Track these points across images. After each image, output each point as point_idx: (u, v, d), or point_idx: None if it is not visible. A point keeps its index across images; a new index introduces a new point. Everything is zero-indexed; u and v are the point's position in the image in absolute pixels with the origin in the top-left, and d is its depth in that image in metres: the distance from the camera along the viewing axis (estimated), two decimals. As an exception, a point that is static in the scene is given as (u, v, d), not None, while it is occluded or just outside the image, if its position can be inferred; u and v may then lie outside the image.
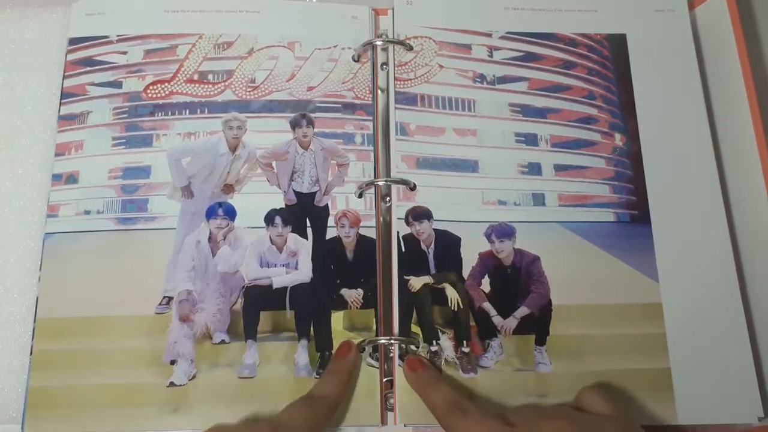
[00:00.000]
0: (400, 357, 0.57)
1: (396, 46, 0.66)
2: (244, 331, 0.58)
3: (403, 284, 0.59)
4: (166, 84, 0.64)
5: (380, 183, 0.62)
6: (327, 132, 0.64)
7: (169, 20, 0.66)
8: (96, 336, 0.57)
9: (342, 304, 0.59)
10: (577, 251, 0.61)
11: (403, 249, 0.60)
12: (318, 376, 0.56)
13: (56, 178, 0.61)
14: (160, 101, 0.64)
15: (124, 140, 0.63)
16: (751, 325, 0.59)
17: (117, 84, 0.64)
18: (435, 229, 0.61)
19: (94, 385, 0.55)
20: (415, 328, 0.58)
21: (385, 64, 0.66)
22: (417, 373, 0.55)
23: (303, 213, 0.62)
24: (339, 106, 0.64)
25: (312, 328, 0.58)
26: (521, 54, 0.67)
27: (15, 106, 0.65)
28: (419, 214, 0.61)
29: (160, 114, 0.63)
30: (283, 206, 0.62)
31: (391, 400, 0.56)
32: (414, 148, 0.63)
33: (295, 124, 0.64)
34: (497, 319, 0.59)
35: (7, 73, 0.66)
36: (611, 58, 0.67)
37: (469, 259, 0.60)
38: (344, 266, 0.60)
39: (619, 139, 0.65)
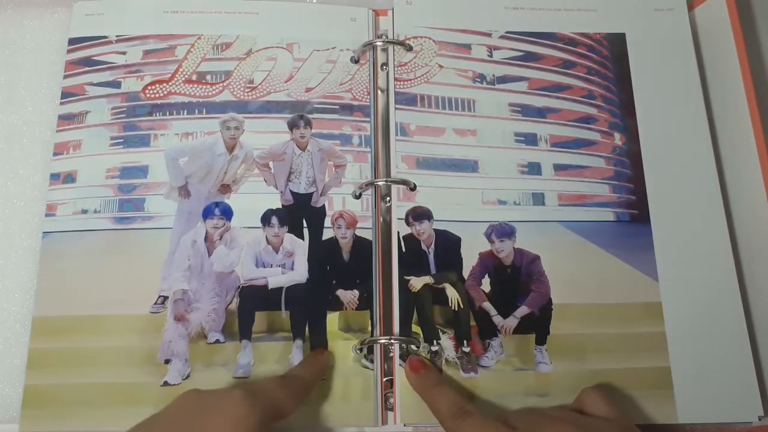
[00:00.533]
0: (401, 357, 0.56)
1: (396, 46, 0.66)
2: (239, 331, 0.58)
3: (404, 284, 0.58)
4: (165, 84, 0.64)
5: (380, 183, 0.61)
6: (324, 133, 0.64)
7: (168, 21, 0.66)
8: (91, 335, 0.57)
9: (337, 305, 0.59)
10: (577, 251, 0.60)
11: (404, 249, 0.60)
12: None
13: (54, 177, 0.61)
14: (159, 101, 0.64)
15: (121, 140, 0.63)
16: (750, 324, 0.58)
17: (116, 84, 0.64)
18: (435, 230, 0.61)
19: (88, 384, 0.55)
20: (415, 328, 0.58)
21: (385, 64, 0.66)
22: (419, 374, 0.55)
23: (299, 213, 0.62)
24: (337, 107, 0.64)
25: (307, 329, 0.58)
26: (521, 54, 0.66)
27: (16, 107, 0.65)
28: (419, 215, 0.61)
29: (158, 114, 0.63)
30: (280, 206, 0.62)
31: (391, 400, 0.56)
32: (414, 149, 0.63)
33: (292, 125, 0.64)
34: (497, 319, 0.58)
35: (8, 73, 0.67)
36: (611, 57, 0.67)
37: (469, 259, 0.60)
38: (340, 267, 0.60)
39: (618, 139, 0.64)
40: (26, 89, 0.66)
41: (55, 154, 0.62)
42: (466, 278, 0.59)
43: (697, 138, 0.63)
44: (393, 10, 0.67)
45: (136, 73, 0.65)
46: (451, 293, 0.59)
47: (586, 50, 0.67)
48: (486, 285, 0.59)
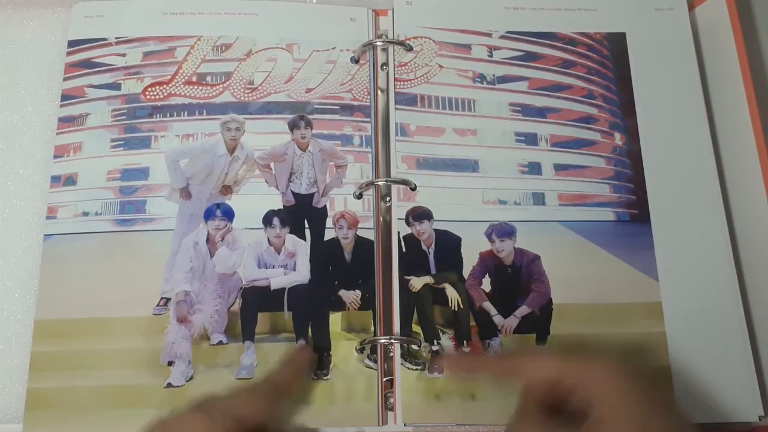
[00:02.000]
0: (403, 357, 0.57)
1: (396, 46, 0.65)
2: (241, 332, 0.58)
3: (404, 284, 0.59)
4: (165, 86, 0.64)
5: (380, 183, 0.62)
6: (325, 133, 0.64)
7: (168, 22, 0.66)
8: (94, 337, 0.57)
9: (340, 305, 0.59)
10: (577, 250, 0.61)
11: (404, 249, 0.60)
12: (315, 378, 0.56)
13: (55, 179, 0.61)
14: (159, 103, 0.64)
15: (122, 142, 0.63)
16: (750, 323, 0.58)
17: (116, 86, 0.64)
18: (435, 230, 0.61)
19: (92, 387, 0.55)
20: (416, 328, 0.58)
21: (385, 64, 0.66)
22: (456, 372, 0.55)
23: (301, 214, 0.62)
24: (337, 107, 0.64)
25: (310, 329, 0.58)
26: (521, 53, 0.66)
27: (16, 107, 0.65)
28: (420, 215, 0.61)
29: (158, 116, 0.63)
30: (281, 207, 0.62)
31: (391, 400, 0.56)
32: (414, 149, 0.63)
33: (293, 126, 0.64)
34: (498, 319, 0.59)
35: (9, 73, 0.66)
36: (611, 57, 0.67)
37: (469, 259, 0.60)
38: (342, 267, 0.60)
39: (618, 139, 0.64)
40: (26, 89, 0.66)
41: (55, 156, 0.62)
42: (466, 278, 0.59)
43: (697, 138, 0.63)
44: (393, 10, 0.67)
45: (135, 75, 0.64)
46: (451, 293, 0.59)
47: (586, 50, 0.67)
48: (486, 285, 0.59)
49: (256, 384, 0.51)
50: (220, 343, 0.57)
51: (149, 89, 0.64)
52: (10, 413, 0.57)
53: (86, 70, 0.64)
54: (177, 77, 0.64)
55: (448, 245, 0.60)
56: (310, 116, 0.64)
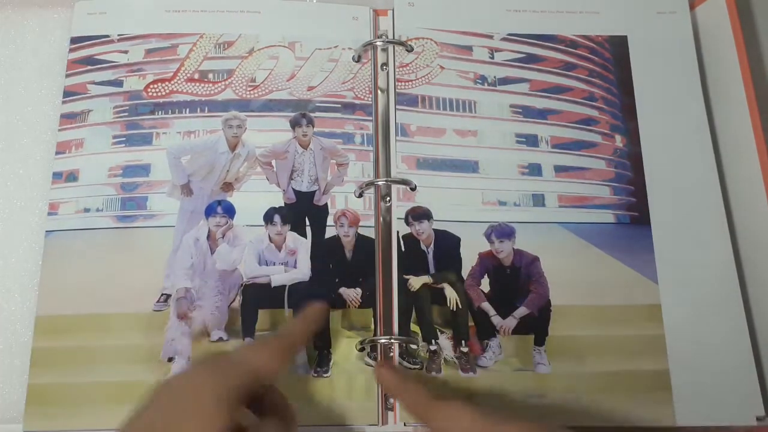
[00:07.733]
0: (401, 356, 0.57)
1: (396, 46, 0.65)
2: (242, 329, 0.58)
3: (403, 284, 0.59)
4: (167, 83, 0.64)
5: (380, 183, 0.62)
6: (327, 131, 0.64)
7: (170, 20, 0.66)
8: (94, 333, 0.57)
9: (340, 303, 0.59)
10: (576, 252, 0.61)
11: (403, 249, 0.60)
12: (315, 375, 0.57)
13: (56, 176, 0.61)
14: (161, 100, 0.64)
15: (124, 138, 0.63)
16: (751, 324, 0.58)
17: (118, 83, 0.64)
18: (435, 230, 0.61)
19: (91, 382, 0.55)
20: (414, 328, 0.58)
21: (385, 64, 0.66)
22: (384, 380, 0.51)
23: (302, 212, 0.62)
24: (339, 106, 0.64)
25: (310, 327, 0.58)
26: (522, 55, 0.67)
27: (16, 107, 0.65)
28: (419, 215, 0.61)
29: (160, 113, 0.63)
30: (283, 205, 0.62)
31: (391, 400, 0.56)
32: (414, 149, 0.63)
33: (295, 124, 0.64)
34: (496, 319, 0.59)
35: (9, 73, 0.66)
36: (612, 59, 0.67)
37: (468, 259, 0.60)
38: (343, 265, 0.60)
39: (619, 141, 0.65)
40: (26, 89, 0.66)
41: (57, 152, 0.62)
42: (465, 278, 0.59)
43: (697, 140, 0.63)
44: (393, 10, 0.67)
45: (138, 71, 0.64)
46: (450, 293, 0.59)
47: (588, 52, 0.67)
48: (485, 285, 0.60)
49: (266, 338, 0.49)
50: (220, 339, 0.58)
51: (151, 86, 0.64)
52: (11, 413, 0.56)
53: (88, 67, 0.64)
54: (179, 74, 0.65)
55: (448, 245, 0.61)
56: (312, 114, 0.64)
